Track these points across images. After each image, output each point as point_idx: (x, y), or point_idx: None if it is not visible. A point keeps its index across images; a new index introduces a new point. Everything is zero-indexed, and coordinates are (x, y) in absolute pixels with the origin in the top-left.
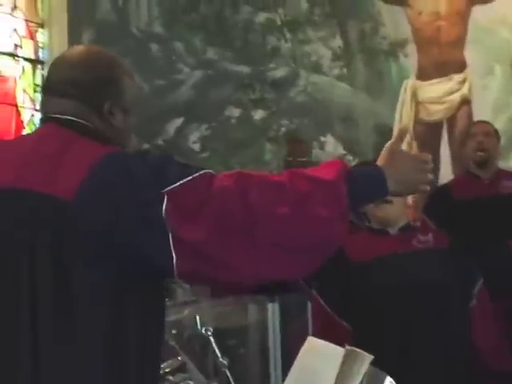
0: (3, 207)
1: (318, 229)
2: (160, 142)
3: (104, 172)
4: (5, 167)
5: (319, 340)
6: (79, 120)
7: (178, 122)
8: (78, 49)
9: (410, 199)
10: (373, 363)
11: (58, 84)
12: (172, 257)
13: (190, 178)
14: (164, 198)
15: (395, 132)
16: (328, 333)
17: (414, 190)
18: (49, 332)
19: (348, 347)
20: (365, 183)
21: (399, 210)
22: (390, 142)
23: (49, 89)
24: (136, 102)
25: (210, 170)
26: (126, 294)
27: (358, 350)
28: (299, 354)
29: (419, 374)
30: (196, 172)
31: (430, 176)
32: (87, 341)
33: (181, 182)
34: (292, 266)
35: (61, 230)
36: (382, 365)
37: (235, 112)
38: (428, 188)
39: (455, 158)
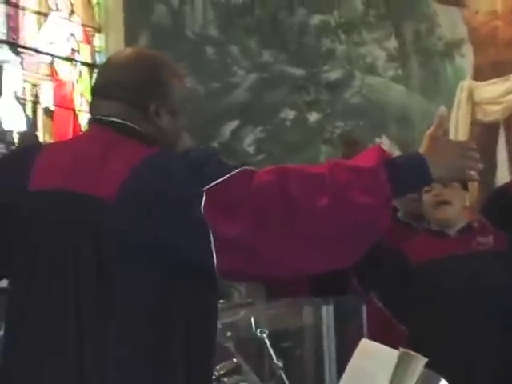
0: (51, 208)
1: (358, 217)
2: (215, 144)
3: (143, 173)
4: (54, 169)
5: (373, 342)
6: (124, 122)
7: (233, 124)
8: (126, 51)
9: (467, 200)
10: (427, 366)
11: (105, 86)
12: (212, 254)
13: (229, 175)
14: (203, 195)
15: (436, 120)
16: (384, 335)
17: (460, 176)
18: (92, 332)
19: (402, 349)
20: (406, 169)
21: (458, 211)
22: (430, 129)
23: (96, 91)
24: (186, 104)
25: (250, 167)
26: (170, 293)
27: (412, 352)
28: (353, 357)
29: (476, 378)
30: (235, 169)
31: (478, 163)
32: (132, 343)
33: (220, 179)
34: (334, 255)
35: (103, 230)
36: (438, 368)
37: (290, 114)
38: (477, 176)
39: None
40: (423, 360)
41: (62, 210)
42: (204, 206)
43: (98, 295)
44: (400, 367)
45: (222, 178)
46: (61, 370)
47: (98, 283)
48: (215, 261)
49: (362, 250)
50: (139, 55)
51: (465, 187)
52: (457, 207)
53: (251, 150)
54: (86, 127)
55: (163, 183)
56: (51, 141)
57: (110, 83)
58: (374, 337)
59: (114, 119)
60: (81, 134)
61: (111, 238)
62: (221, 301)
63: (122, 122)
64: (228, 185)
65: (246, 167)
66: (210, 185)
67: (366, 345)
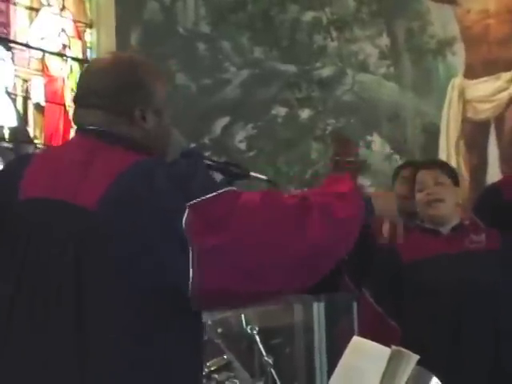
0: (37, 216)
1: (342, 233)
2: (206, 140)
3: (127, 180)
4: (40, 178)
5: (364, 339)
6: (106, 129)
7: (225, 121)
8: (102, 59)
9: (459, 197)
10: (419, 363)
11: (84, 95)
12: (189, 271)
13: (215, 193)
14: (185, 210)
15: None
16: (376, 332)
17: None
18: (69, 344)
19: (394, 347)
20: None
21: (451, 209)
22: None
23: (77, 100)
24: (167, 100)
25: (234, 188)
26: (152, 307)
27: (404, 349)
28: (344, 354)
29: (467, 376)
30: (221, 187)
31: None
32: (114, 352)
33: (206, 196)
34: (314, 272)
35: (84, 238)
36: (429, 365)
37: (282, 111)
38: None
39: (503, 157)
40: (415, 358)
41: (46, 217)
42: (186, 220)
43: (76, 305)
44: (391, 364)
45: (209, 196)
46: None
47: (76, 292)
48: (191, 280)
49: (331, 266)
50: (115, 61)
51: (456, 183)
52: (450, 204)
53: (242, 146)
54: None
55: (146, 193)
56: (41, 136)
57: (86, 92)
58: (365, 333)
59: (96, 128)
60: (67, 141)
61: (93, 245)
62: None
63: (106, 130)
64: (213, 202)
65: (231, 188)
66: (195, 201)
67: (357, 342)
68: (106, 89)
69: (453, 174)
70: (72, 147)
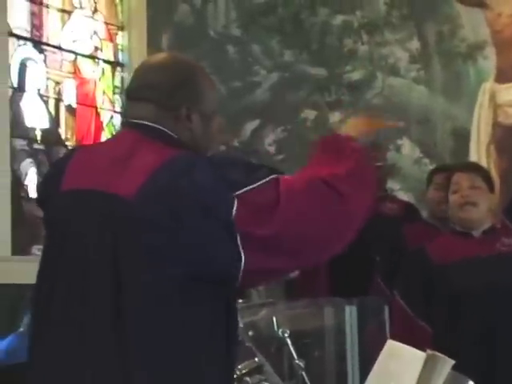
0: (77, 206)
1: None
2: (236, 143)
3: (166, 174)
4: (82, 171)
5: (399, 344)
6: (152, 124)
7: (254, 124)
8: (160, 55)
9: (493, 203)
10: (454, 368)
11: (137, 88)
12: (241, 257)
13: (260, 183)
14: (234, 201)
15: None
16: (408, 335)
17: None
18: (108, 332)
19: (429, 351)
20: None
21: (483, 213)
22: None
23: (129, 93)
24: (217, 110)
25: (276, 176)
26: (191, 294)
27: (439, 354)
28: (379, 358)
29: (501, 380)
30: (264, 176)
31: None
32: (152, 341)
33: (252, 186)
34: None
35: (122, 228)
36: (463, 369)
37: (311, 114)
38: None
39: None
40: (450, 362)
41: (85, 207)
42: (236, 212)
43: (113, 295)
44: (426, 369)
45: (255, 185)
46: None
47: (112, 283)
48: (243, 264)
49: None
50: (173, 59)
51: (491, 189)
52: (482, 209)
53: (272, 149)
54: (109, 126)
55: (187, 186)
56: (73, 138)
57: (142, 85)
58: (397, 336)
59: (143, 122)
60: (112, 135)
61: (131, 237)
62: (240, 300)
63: (151, 124)
64: (259, 190)
65: (273, 176)
66: (242, 190)
67: (392, 346)
68: (160, 83)
69: (489, 180)
70: (116, 140)
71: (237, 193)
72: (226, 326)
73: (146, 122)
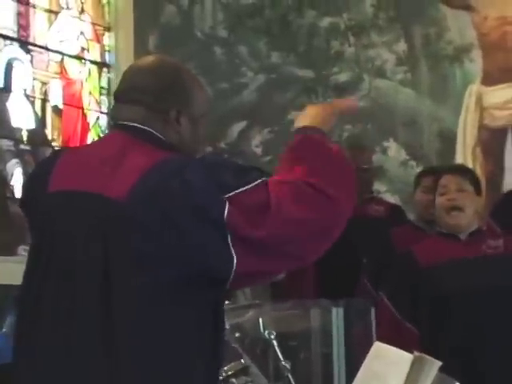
0: (65, 207)
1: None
2: (223, 145)
3: (157, 175)
4: (70, 172)
5: (386, 345)
6: (142, 126)
7: (241, 125)
8: (149, 58)
9: (479, 206)
10: (441, 369)
11: (126, 90)
12: (232, 258)
13: (251, 185)
14: (225, 203)
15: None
16: (395, 337)
17: None
18: (96, 331)
19: (416, 353)
20: None
21: (470, 218)
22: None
23: (117, 95)
24: (206, 114)
25: (266, 178)
26: (181, 296)
27: (426, 356)
28: (366, 360)
29: (488, 381)
30: (255, 179)
31: None
32: (140, 342)
33: (243, 188)
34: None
35: (113, 230)
36: (450, 371)
37: None
38: None
39: None
40: (437, 364)
41: (73, 208)
42: (228, 213)
43: (102, 297)
44: (414, 371)
45: (246, 187)
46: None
47: (101, 284)
48: (235, 265)
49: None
50: (162, 62)
51: (478, 192)
52: (469, 213)
53: (259, 151)
54: (96, 126)
55: (178, 188)
56: (59, 138)
57: (131, 88)
58: (384, 338)
59: (132, 124)
60: (100, 137)
61: (120, 238)
62: (227, 302)
63: (140, 126)
64: (250, 193)
65: (265, 179)
66: (233, 192)
67: (378, 348)
68: (148, 85)
69: (476, 183)
70: (105, 142)
71: (228, 195)
72: (214, 327)
73: (136, 124)
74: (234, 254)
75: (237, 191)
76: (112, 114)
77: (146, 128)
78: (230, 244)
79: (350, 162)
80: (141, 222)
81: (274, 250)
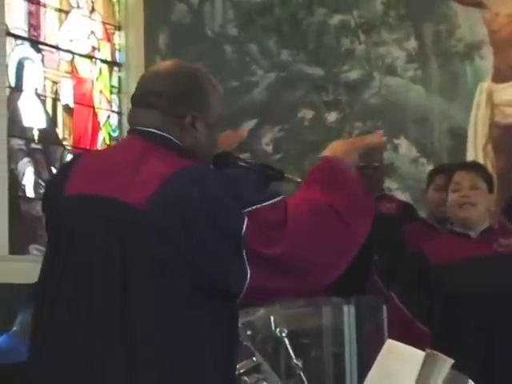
0: (82, 212)
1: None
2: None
3: (177, 184)
4: (87, 176)
5: (399, 343)
6: (159, 132)
7: (252, 123)
8: (167, 62)
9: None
10: (454, 367)
11: (143, 95)
12: (246, 273)
13: (270, 202)
14: (245, 217)
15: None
16: (407, 337)
17: None
18: (113, 333)
19: (428, 351)
20: None
21: (482, 214)
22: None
23: (134, 100)
24: (221, 119)
25: (284, 196)
26: (197, 303)
27: (439, 353)
28: (378, 357)
29: (501, 379)
30: (274, 196)
31: None
32: (158, 342)
33: (262, 204)
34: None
35: (132, 236)
36: (462, 369)
37: (308, 114)
38: None
39: None
40: (449, 361)
41: (93, 213)
42: (246, 228)
43: (119, 300)
44: (426, 368)
45: (265, 204)
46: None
47: (120, 287)
48: (248, 280)
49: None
50: (179, 66)
51: (490, 190)
52: (481, 210)
53: (269, 149)
54: (106, 125)
55: (198, 198)
56: (70, 137)
57: (148, 92)
58: (395, 336)
59: (150, 129)
60: (117, 142)
61: (140, 244)
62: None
63: (158, 132)
64: (268, 209)
65: (284, 197)
66: (253, 207)
67: (391, 345)
68: (165, 90)
69: (489, 180)
70: (123, 147)
71: (248, 209)
72: (228, 329)
73: (153, 130)
74: (248, 269)
75: (256, 206)
76: (129, 119)
77: (163, 134)
78: (245, 258)
79: (369, 190)
80: (159, 228)
81: (289, 269)
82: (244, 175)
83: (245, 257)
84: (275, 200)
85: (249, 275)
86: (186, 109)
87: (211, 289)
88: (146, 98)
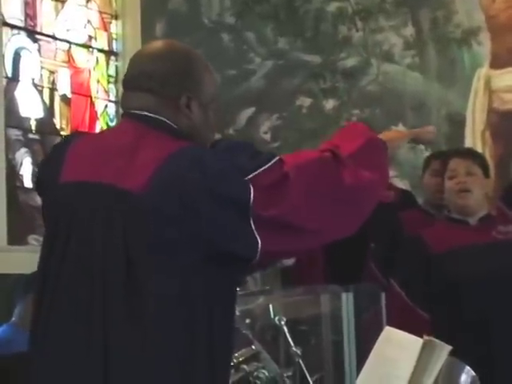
0: (79, 199)
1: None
2: (231, 131)
3: (173, 166)
4: (82, 162)
5: (397, 330)
6: (153, 115)
7: (250, 111)
8: (157, 43)
9: (489, 188)
10: (452, 353)
11: (134, 78)
12: (257, 241)
13: (270, 164)
14: (249, 185)
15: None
16: (407, 324)
17: None
18: (118, 319)
19: (426, 337)
20: None
21: (479, 200)
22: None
23: (126, 83)
24: (216, 99)
25: (280, 156)
26: (196, 283)
27: (437, 340)
28: (376, 344)
29: (498, 365)
30: (270, 158)
31: None
32: (156, 328)
33: (260, 169)
34: (358, 218)
35: (132, 221)
36: (460, 355)
37: (306, 102)
38: None
39: None
40: (447, 348)
41: (88, 201)
42: (253, 196)
43: (124, 289)
44: (424, 355)
45: (264, 167)
46: (82, 364)
47: (125, 277)
48: (259, 248)
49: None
50: (172, 47)
51: (486, 175)
52: (478, 195)
53: (267, 137)
54: (104, 115)
55: (197, 176)
56: (68, 127)
57: (138, 74)
58: (394, 324)
59: (143, 113)
60: (112, 127)
61: (141, 229)
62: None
63: (153, 115)
64: (267, 172)
65: (279, 157)
66: (252, 174)
67: (389, 332)
68: (157, 71)
69: (484, 165)
70: (118, 132)
71: (249, 177)
72: (226, 313)
73: (148, 113)
74: (258, 237)
75: (255, 173)
76: (122, 103)
77: (157, 117)
78: (253, 226)
79: (384, 147)
80: (161, 211)
81: (299, 226)
82: (236, 145)
83: (253, 225)
84: (272, 161)
85: (259, 243)
86: (180, 90)
87: (222, 259)
88: (138, 81)
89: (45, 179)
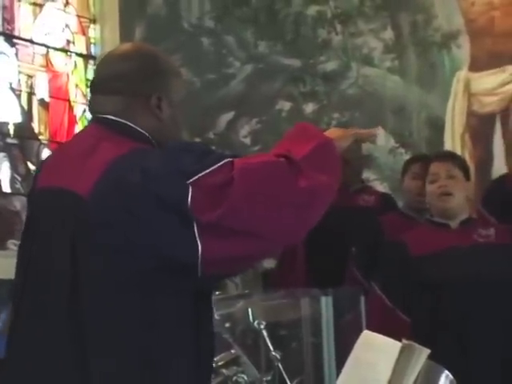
0: (43, 205)
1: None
2: (211, 135)
3: (118, 170)
4: (51, 169)
5: (375, 334)
6: (114, 118)
7: (229, 115)
8: (123, 46)
9: (470, 191)
10: (430, 357)
11: (102, 81)
12: (197, 244)
13: (214, 167)
14: (189, 188)
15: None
16: (386, 326)
17: None
18: (63, 331)
19: (405, 341)
20: None
21: (461, 203)
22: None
23: (93, 87)
24: (184, 99)
25: (229, 159)
26: (153, 286)
27: (415, 343)
28: (354, 348)
29: (476, 369)
30: (217, 160)
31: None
32: (110, 334)
33: (205, 172)
34: (305, 222)
35: (80, 227)
36: (439, 359)
37: (286, 105)
38: None
39: (509, 150)
40: (426, 351)
41: (51, 206)
42: (191, 199)
43: (71, 296)
44: (402, 358)
45: (208, 170)
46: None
47: (70, 281)
48: (200, 252)
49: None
50: (140, 48)
51: (467, 178)
52: (460, 198)
53: (247, 141)
54: (83, 119)
55: (137, 179)
56: (46, 132)
57: (108, 77)
58: (374, 327)
59: (107, 116)
60: (78, 132)
61: (87, 233)
62: (217, 292)
63: (116, 119)
64: (212, 175)
65: (227, 159)
66: (196, 177)
67: (367, 336)
68: (126, 71)
69: (465, 168)
70: (82, 136)
71: (191, 180)
72: (196, 316)
73: (111, 117)
74: (198, 240)
75: (200, 175)
76: (89, 107)
77: (119, 120)
78: (196, 230)
79: (337, 150)
80: (104, 216)
81: (244, 227)
82: (185, 146)
83: (195, 228)
84: (219, 164)
85: (200, 246)
86: (150, 90)
87: (166, 265)
88: (107, 84)
89: (30, 191)
